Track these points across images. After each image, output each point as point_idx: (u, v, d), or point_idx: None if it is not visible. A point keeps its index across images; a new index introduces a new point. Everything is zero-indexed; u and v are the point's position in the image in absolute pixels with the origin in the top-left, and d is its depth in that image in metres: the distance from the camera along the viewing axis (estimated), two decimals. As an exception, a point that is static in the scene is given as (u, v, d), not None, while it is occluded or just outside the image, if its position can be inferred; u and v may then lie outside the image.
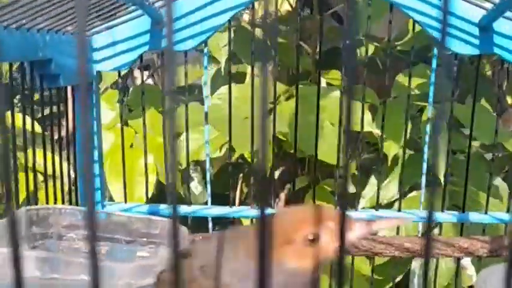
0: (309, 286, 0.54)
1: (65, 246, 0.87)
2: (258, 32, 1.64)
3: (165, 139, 1.07)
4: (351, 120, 0.25)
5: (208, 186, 1.08)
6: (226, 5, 0.96)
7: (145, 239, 0.89)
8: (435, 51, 0.99)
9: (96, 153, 1.02)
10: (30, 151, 0.95)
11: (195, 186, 1.69)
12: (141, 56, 0.99)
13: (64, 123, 1.01)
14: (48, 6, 0.78)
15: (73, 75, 0.92)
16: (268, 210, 0.28)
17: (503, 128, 1.91)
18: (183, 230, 0.85)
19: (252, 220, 1.34)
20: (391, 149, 1.37)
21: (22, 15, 0.76)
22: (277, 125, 1.13)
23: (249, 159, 1.32)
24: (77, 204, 1.01)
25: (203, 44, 0.99)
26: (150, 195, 1.11)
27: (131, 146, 1.47)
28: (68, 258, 0.77)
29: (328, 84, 1.58)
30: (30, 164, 0.94)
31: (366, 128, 1.25)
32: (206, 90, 1.07)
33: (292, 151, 1.28)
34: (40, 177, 1.08)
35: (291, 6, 1.64)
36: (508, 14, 0.90)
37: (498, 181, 1.44)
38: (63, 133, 1.04)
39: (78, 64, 0.26)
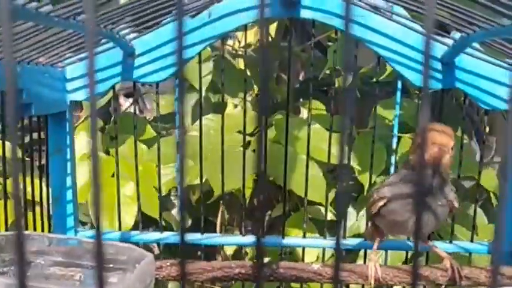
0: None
1: (33, 272, 0.89)
2: (239, 62, 1.67)
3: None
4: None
5: (180, 213, 1.10)
6: (198, 37, 0.98)
7: (111, 265, 0.90)
8: (399, 85, 1.02)
9: (69, 180, 1.04)
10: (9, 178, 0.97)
11: (176, 213, 1.71)
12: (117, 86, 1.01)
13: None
14: (20, 38, 0.80)
15: (45, 104, 0.94)
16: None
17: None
18: (149, 256, 0.87)
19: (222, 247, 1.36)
20: (366, 178, 1.39)
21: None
22: (254, 156, 1.15)
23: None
24: (49, 229, 1.03)
25: (174, 75, 1.01)
26: (133, 222, 1.13)
27: (112, 175, 1.49)
28: (35, 284, 0.78)
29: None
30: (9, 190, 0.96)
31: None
32: (177, 121, 1.09)
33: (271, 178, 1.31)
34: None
35: (271, 36, 1.66)
36: (468, 50, 0.93)
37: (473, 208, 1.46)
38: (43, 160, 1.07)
39: (89, 82, 0.29)
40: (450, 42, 0.93)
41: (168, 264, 0.97)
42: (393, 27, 0.96)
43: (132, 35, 0.97)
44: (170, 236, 1.10)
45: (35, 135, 1.04)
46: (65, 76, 0.99)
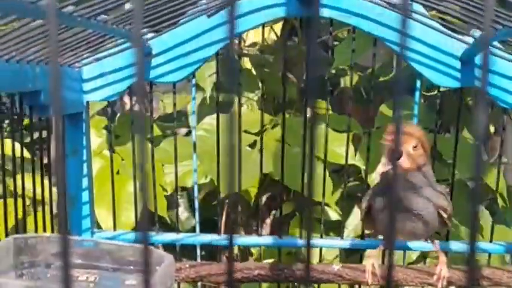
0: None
1: (53, 274, 0.88)
2: (245, 61, 1.66)
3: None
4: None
5: (197, 214, 1.09)
6: (214, 37, 0.98)
7: (131, 267, 0.90)
8: (418, 84, 1.01)
9: (85, 181, 1.03)
10: (18, 176, 0.96)
11: (182, 212, 1.70)
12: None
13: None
14: (39, 39, 0.79)
15: (63, 106, 0.93)
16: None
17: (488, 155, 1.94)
18: (169, 257, 0.86)
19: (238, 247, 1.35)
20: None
21: (13, 48, 0.77)
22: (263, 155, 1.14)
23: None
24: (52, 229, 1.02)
25: (191, 75, 1.01)
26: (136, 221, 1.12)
27: (117, 172, 1.48)
28: (55, 286, 0.78)
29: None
30: (19, 190, 0.95)
31: (350, 161, 1.27)
32: (193, 121, 1.08)
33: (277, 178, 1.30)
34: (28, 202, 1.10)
35: (277, 35, 1.66)
36: (489, 48, 0.92)
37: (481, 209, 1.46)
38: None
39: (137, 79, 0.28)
40: (470, 40, 0.93)
41: (187, 266, 0.96)
42: (412, 25, 0.96)
43: (149, 35, 0.96)
44: (187, 238, 1.09)
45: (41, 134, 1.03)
46: (81, 76, 0.98)
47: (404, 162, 0.82)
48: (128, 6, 0.85)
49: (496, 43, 0.93)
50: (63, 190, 0.32)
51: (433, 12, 0.97)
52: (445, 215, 0.87)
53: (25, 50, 0.80)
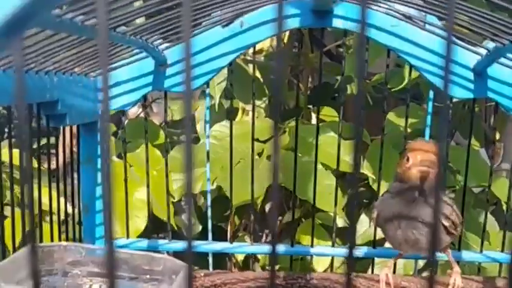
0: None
1: (70, 283, 0.88)
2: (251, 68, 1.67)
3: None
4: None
5: (209, 222, 1.10)
6: (228, 48, 0.99)
7: (148, 276, 0.90)
8: (431, 95, 1.02)
9: (100, 189, 1.04)
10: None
11: (188, 218, 1.70)
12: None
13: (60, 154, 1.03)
14: (57, 50, 0.80)
15: (79, 114, 0.94)
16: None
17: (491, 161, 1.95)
18: (186, 267, 0.87)
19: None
20: (382, 186, 1.39)
21: (33, 59, 0.78)
22: (269, 163, 1.15)
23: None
24: (80, 239, 1.03)
25: (205, 85, 1.01)
26: (143, 228, 1.13)
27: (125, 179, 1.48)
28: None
29: (321, 120, 1.61)
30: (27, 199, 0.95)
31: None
32: (206, 130, 1.09)
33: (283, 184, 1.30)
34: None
35: (284, 43, 1.66)
36: (502, 60, 0.93)
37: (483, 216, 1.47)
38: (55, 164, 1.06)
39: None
40: (483, 51, 0.94)
41: (202, 274, 0.97)
42: (425, 36, 0.97)
43: (164, 45, 0.97)
44: (199, 245, 1.09)
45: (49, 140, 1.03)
46: (96, 86, 0.98)
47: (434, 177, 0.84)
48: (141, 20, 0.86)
49: (509, 55, 0.93)
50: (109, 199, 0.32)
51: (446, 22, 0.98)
52: (446, 223, 0.88)
53: (45, 61, 0.81)
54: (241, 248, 1.14)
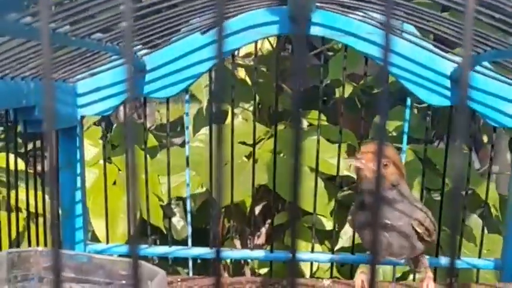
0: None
1: (45, 289, 0.89)
2: (239, 71, 1.67)
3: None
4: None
5: (189, 227, 1.10)
6: (207, 54, 0.99)
7: (123, 282, 0.91)
8: (408, 102, 1.03)
9: (79, 194, 1.04)
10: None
11: (177, 221, 1.71)
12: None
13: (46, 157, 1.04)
14: (34, 55, 0.80)
15: (58, 119, 0.94)
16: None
17: (480, 164, 1.95)
18: (161, 272, 0.87)
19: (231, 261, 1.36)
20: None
21: (7, 65, 0.78)
22: (257, 166, 1.16)
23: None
24: (59, 243, 1.03)
25: (184, 91, 1.02)
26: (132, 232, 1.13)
27: (114, 183, 1.49)
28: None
29: (310, 124, 1.61)
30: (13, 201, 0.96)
31: (344, 172, 1.29)
32: (187, 136, 1.09)
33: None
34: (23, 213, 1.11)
35: (272, 46, 1.66)
36: (477, 68, 0.94)
37: (474, 218, 1.47)
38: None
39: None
40: (459, 59, 0.94)
41: (179, 280, 0.97)
42: (403, 44, 0.97)
43: (143, 51, 0.97)
44: (178, 251, 1.10)
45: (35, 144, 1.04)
46: (75, 91, 0.99)
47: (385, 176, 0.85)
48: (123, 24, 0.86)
49: (487, 64, 0.94)
50: (56, 208, 0.33)
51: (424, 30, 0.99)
52: (419, 230, 0.88)
53: (20, 66, 0.82)
54: (221, 253, 1.14)
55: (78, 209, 1.05)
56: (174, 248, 1.10)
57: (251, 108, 1.62)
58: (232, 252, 1.15)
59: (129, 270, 0.85)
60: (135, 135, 1.28)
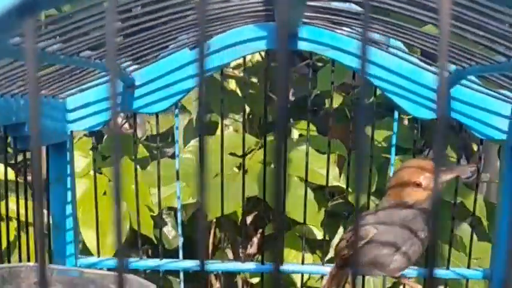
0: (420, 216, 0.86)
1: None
2: (229, 82, 1.68)
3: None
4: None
5: (180, 239, 1.11)
6: (195, 69, 1.00)
7: (113, 297, 0.91)
8: (396, 115, 1.04)
9: (69, 208, 1.05)
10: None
11: (169, 231, 1.72)
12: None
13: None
14: (21, 74, 0.81)
15: (47, 135, 0.95)
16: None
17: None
18: (153, 287, 0.87)
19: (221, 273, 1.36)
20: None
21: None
22: (247, 177, 1.16)
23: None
24: (49, 257, 1.04)
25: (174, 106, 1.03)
26: (123, 242, 1.13)
27: (104, 193, 1.49)
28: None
29: (300, 135, 1.62)
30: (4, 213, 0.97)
31: (333, 183, 1.30)
32: (176, 149, 1.10)
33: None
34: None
35: (262, 57, 1.67)
36: (463, 81, 0.95)
37: (464, 226, 1.49)
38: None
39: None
40: (445, 74, 0.95)
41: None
42: (389, 59, 0.98)
43: (132, 67, 0.98)
44: (169, 263, 1.11)
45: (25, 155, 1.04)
46: (65, 107, 1.00)
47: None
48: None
49: (474, 79, 0.95)
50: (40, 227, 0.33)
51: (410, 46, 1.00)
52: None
53: (10, 84, 0.82)
54: (212, 266, 1.15)
55: (69, 222, 1.05)
56: (164, 261, 1.11)
57: (242, 119, 1.63)
58: (223, 265, 1.16)
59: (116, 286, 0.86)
60: (124, 148, 1.28)
